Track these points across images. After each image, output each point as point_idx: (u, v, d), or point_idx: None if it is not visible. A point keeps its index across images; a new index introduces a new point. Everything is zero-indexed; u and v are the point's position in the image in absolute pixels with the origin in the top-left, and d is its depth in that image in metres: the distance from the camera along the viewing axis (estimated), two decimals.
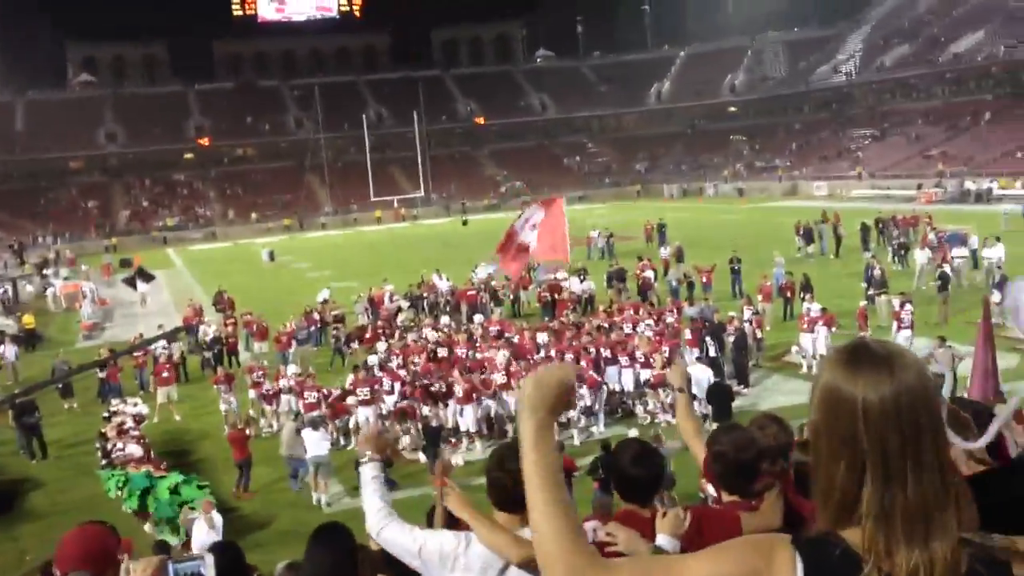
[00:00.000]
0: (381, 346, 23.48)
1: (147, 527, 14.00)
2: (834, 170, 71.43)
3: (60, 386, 23.63)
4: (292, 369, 21.22)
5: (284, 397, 19.79)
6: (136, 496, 14.44)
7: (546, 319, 26.85)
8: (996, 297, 22.48)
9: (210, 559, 3.95)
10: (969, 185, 54.29)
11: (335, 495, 15.88)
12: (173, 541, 12.99)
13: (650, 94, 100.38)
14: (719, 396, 16.98)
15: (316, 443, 16.00)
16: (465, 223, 65.66)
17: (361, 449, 3.85)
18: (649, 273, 30.64)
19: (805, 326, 21.54)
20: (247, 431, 17.36)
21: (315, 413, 17.73)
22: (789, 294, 25.91)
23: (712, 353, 20.62)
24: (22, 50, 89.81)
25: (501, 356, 19.71)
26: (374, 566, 4.27)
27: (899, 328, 20.22)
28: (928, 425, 1.53)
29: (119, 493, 14.93)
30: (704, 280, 29.24)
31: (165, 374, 22.53)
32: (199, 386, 24.04)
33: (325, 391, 19.29)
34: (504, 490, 3.57)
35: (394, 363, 21.30)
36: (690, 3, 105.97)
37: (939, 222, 35.39)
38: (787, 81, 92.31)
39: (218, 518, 12.71)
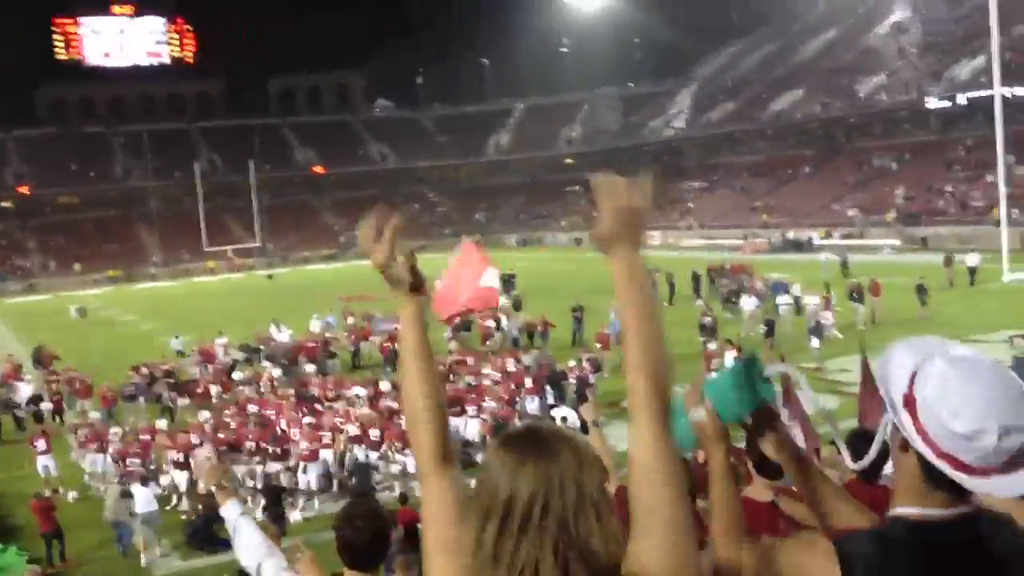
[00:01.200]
0: (214, 399, 23.04)
1: None
2: (666, 220, 74.04)
3: None
4: (113, 431, 20.09)
5: (108, 458, 18.76)
6: None
7: (388, 370, 26.49)
8: (815, 343, 23.79)
9: None
10: (790, 235, 57.25)
11: (164, 558, 15.25)
12: None
13: (489, 145, 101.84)
14: None
15: (146, 500, 15.43)
16: (270, 277, 66.00)
17: (206, 482, 3.83)
18: (490, 323, 30.85)
19: None
20: (53, 500, 16.29)
21: (141, 469, 17.14)
22: None
23: (551, 401, 20.89)
24: None
25: (358, 405, 19.76)
26: None
27: None
28: (536, 519, 1.56)
29: None
30: (541, 329, 29.77)
31: None
32: (15, 448, 22.50)
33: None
34: (354, 548, 3.52)
35: (228, 418, 20.68)
36: (527, 56, 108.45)
37: (763, 271, 37.01)
38: (621, 134, 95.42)
39: None
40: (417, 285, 1.99)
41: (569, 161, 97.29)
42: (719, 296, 34.70)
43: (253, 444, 18.18)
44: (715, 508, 2.25)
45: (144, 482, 16.04)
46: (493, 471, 1.63)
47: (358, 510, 3.67)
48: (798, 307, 28.84)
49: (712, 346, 23.91)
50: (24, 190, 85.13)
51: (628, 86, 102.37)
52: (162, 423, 20.95)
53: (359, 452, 17.80)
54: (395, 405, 19.93)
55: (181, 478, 17.37)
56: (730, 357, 21.36)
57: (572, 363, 22.88)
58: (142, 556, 15.16)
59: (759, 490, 3.86)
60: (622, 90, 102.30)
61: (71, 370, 27.96)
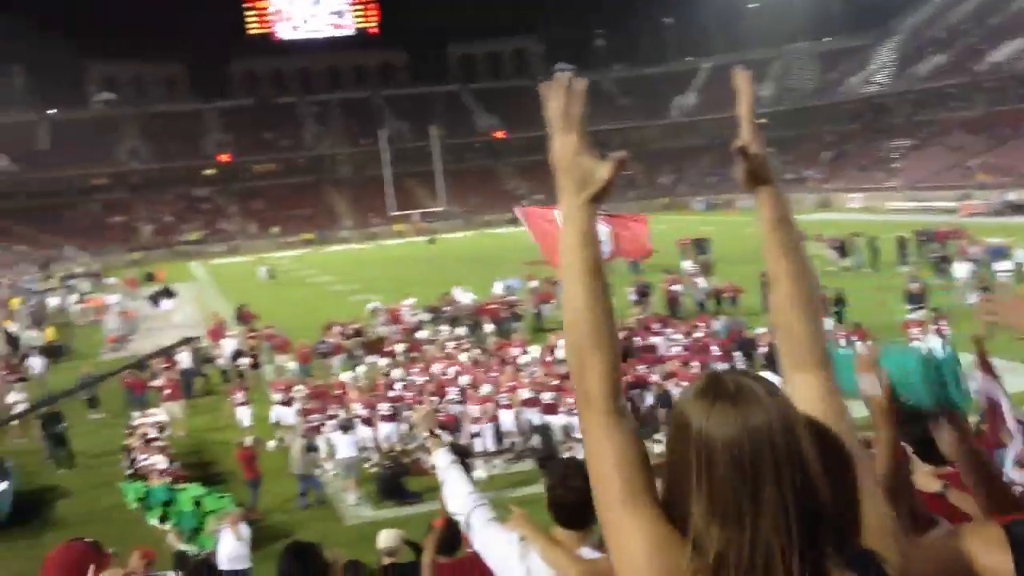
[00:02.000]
0: (399, 357, 24.09)
1: (169, 538, 13.90)
2: (869, 182, 69.92)
3: (87, 397, 24.30)
4: (297, 387, 21.07)
5: (293, 412, 19.75)
6: (158, 508, 14.60)
7: None
8: None
9: None
10: (1011, 197, 52.55)
11: (354, 507, 16.04)
12: (194, 551, 13.20)
13: (674, 107, 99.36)
14: None
15: (346, 445, 16.66)
16: (432, 242, 68.06)
17: (420, 427, 3.95)
18: (677, 287, 29.86)
19: (842, 341, 20.68)
20: (256, 449, 17.19)
21: (342, 417, 18.02)
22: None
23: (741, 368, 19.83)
24: (44, 69, 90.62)
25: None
26: None
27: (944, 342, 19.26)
28: (772, 466, 1.46)
29: (140, 504, 15.06)
30: (730, 295, 28.91)
31: (168, 391, 22.53)
32: (220, 399, 23.96)
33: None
34: (566, 507, 3.58)
35: (415, 377, 21.17)
36: (713, 15, 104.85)
37: (980, 235, 34.19)
38: (817, 92, 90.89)
39: (245, 530, 12.59)
40: (601, 194, 1.82)
41: (760, 120, 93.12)
42: (928, 262, 32.22)
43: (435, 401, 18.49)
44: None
45: (344, 430, 16.94)
46: (699, 420, 1.51)
47: (571, 471, 3.62)
48: (1021, 274, 26.32)
49: (917, 316, 22.34)
50: (225, 158, 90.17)
51: (823, 41, 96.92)
52: (347, 376, 21.90)
53: (533, 415, 17.81)
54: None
55: (367, 432, 17.82)
56: (933, 335, 20.04)
57: (762, 330, 21.63)
58: (350, 495, 16.30)
59: (925, 479, 3.58)
60: (817, 45, 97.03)
61: (270, 327, 29.43)
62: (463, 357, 22.61)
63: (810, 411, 1.67)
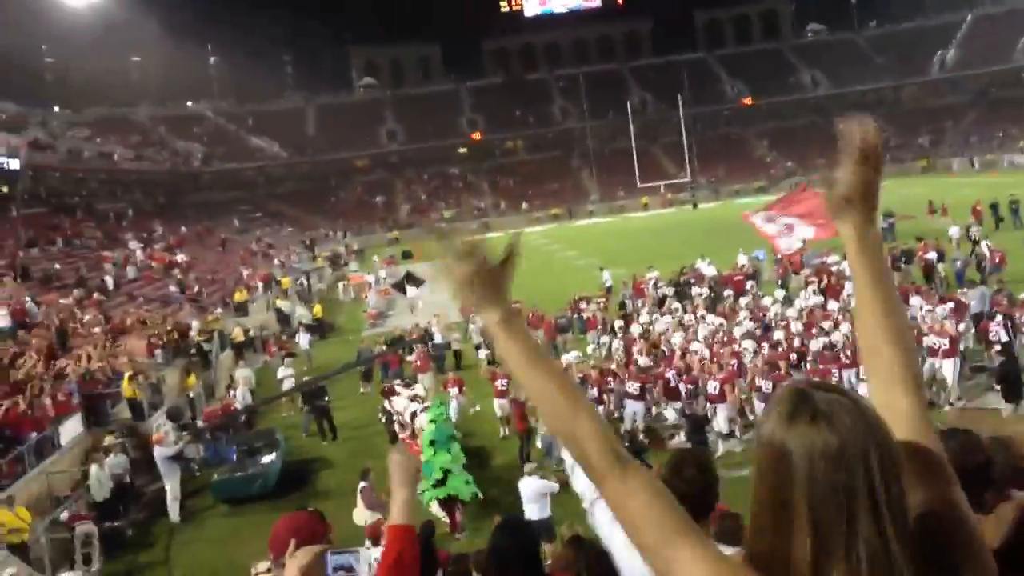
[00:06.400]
0: (636, 329, 23.32)
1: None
2: None
3: (364, 370, 25.36)
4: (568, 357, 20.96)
5: None
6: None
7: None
8: None
9: (364, 553, 4.09)
10: None
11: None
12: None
13: (933, 63, 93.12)
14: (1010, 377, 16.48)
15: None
16: (695, 206, 71.07)
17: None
18: (932, 255, 28.42)
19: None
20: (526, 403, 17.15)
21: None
22: None
23: (1004, 338, 18.95)
24: (310, 59, 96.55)
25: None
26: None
27: None
28: (864, 487, 1.40)
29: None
30: (997, 260, 26.83)
31: (419, 363, 23.67)
32: (473, 371, 24.11)
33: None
34: (681, 498, 3.38)
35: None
36: None
37: None
38: None
39: None
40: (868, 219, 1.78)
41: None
42: None
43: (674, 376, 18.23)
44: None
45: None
46: (787, 443, 1.47)
47: (688, 460, 3.55)
48: None
49: None
50: (476, 136, 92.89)
51: None
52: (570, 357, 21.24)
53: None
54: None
55: (632, 408, 17.85)
56: None
57: None
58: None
59: None
60: None
61: (517, 302, 29.59)
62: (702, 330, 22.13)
63: (901, 435, 1.57)
